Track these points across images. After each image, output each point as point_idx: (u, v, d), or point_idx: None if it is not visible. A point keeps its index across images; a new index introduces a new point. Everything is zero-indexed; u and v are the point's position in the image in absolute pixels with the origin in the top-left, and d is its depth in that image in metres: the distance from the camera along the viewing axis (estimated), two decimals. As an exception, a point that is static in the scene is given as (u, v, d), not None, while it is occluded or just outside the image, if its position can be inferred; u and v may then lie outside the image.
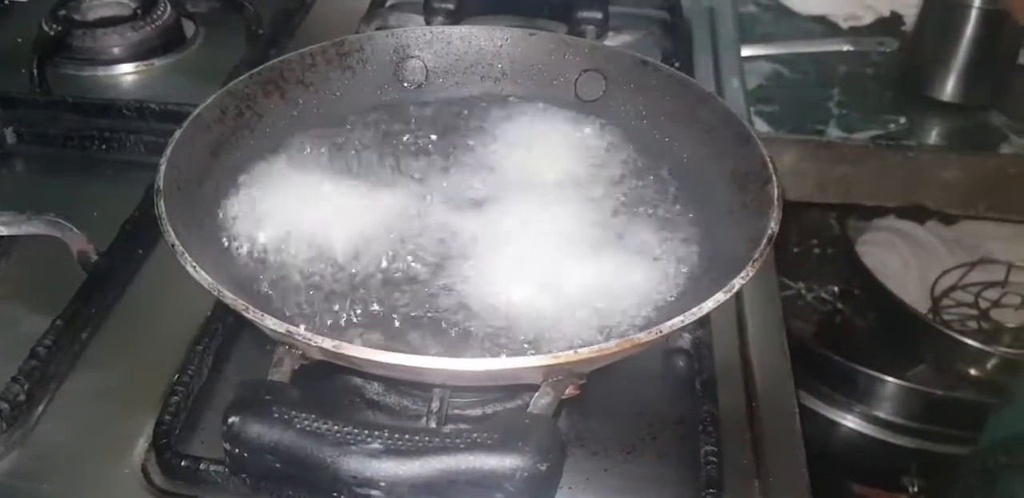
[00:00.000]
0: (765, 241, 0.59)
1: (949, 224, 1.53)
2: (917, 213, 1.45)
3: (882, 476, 1.36)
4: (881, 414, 1.34)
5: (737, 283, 0.56)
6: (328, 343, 0.52)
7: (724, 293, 0.55)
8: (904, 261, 1.50)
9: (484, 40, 0.81)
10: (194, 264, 0.56)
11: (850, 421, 1.36)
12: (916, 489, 1.33)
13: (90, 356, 0.70)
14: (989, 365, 1.32)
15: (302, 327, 0.54)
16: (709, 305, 0.55)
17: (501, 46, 0.81)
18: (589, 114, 0.78)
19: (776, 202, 0.62)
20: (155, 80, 1.03)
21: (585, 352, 0.52)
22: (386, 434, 0.48)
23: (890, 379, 1.31)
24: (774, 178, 0.63)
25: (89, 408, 0.67)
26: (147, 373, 0.68)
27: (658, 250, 0.67)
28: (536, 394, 0.53)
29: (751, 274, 0.56)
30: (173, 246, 0.57)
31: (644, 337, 0.53)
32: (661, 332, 0.53)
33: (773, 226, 0.60)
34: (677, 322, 0.54)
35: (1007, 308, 1.42)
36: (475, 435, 0.48)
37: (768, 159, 0.65)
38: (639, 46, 0.97)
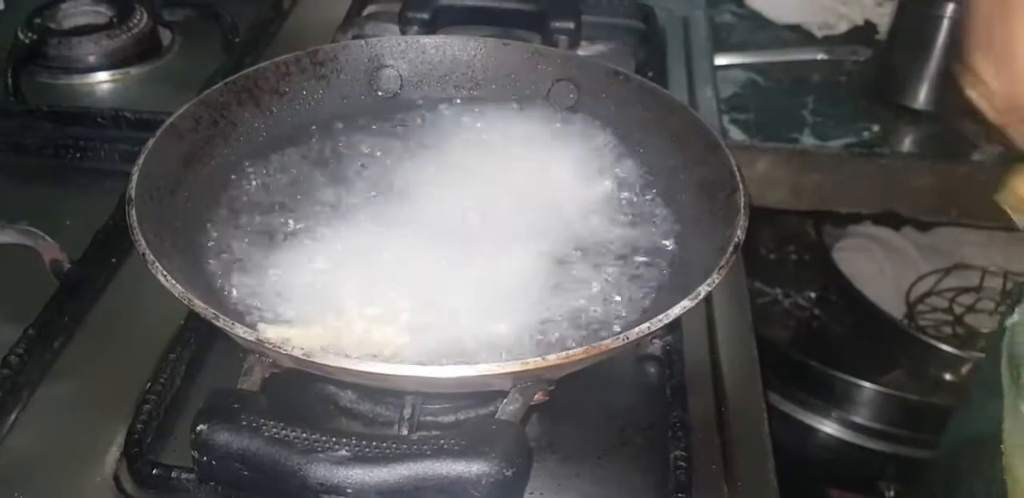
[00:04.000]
0: (731, 249, 0.59)
1: (924, 230, 1.55)
2: (893, 219, 1.47)
3: (859, 481, 1.37)
4: (857, 419, 1.36)
5: (703, 290, 0.57)
6: (298, 351, 0.52)
7: (690, 300, 0.56)
8: (880, 267, 1.52)
9: (458, 49, 0.82)
10: (165, 273, 0.56)
11: (827, 426, 1.37)
12: (892, 493, 1.34)
13: (63, 365, 0.70)
14: (964, 370, 1.34)
15: (272, 335, 0.54)
16: (675, 312, 0.55)
17: (475, 55, 0.82)
18: (562, 123, 0.79)
19: (743, 211, 0.62)
20: (131, 88, 1.03)
21: (553, 358, 0.53)
22: (354, 441, 0.48)
23: (866, 384, 1.32)
24: (741, 187, 0.64)
25: (61, 417, 0.67)
26: (120, 382, 0.68)
27: (629, 258, 0.68)
28: (505, 400, 0.54)
29: (717, 281, 0.57)
30: (144, 255, 0.57)
31: (611, 343, 0.53)
32: (628, 338, 0.54)
33: (739, 234, 0.61)
34: (644, 328, 0.55)
35: (981, 313, 1.44)
36: (442, 441, 0.48)
37: (736, 168, 0.66)
38: (613, 56, 0.98)
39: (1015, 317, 0.61)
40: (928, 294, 1.48)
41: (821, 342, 1.48)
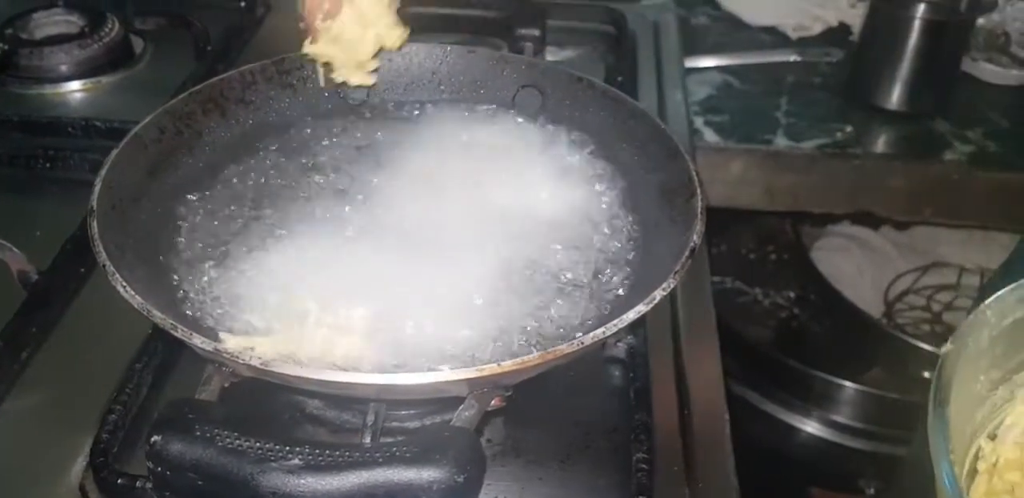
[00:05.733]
0: (687, 253, 0.60)
1: (902, 229, 1.56)
2: (871, 219, 1.48)
3: (840, 479, 1.38)
4: (838, 418, 1.36)
5: (658, 295, 0.57)
6: (255, 361, 0.52)
7: (645, 305, 0.57)
8: (858, 266, 1.52)
9: (424, 57, 0.83)
10: (124, 284, 0.56)
11: (807, 425, 1.38)
12: (873, 491, 1.35)
13: (30, 375, 0.70)
14: (942, 368, 1.34)
15: (231, 345, 0.55)
16: (630, 317, 0.56)
17: (441, 63, 0.83)
18: (527, 129, 0.80)
19: (699, 216, 0.63)
20: (103, 97, 1.03)
21: (508, 364, 0.53)
22: (307, 450, 0.48)
23: (846, 383, 1.33)
24: (699, 192, 0.65)
25: (29, 427, 0.67)
26: (87, 392, 0.68)
27: (590, 263, 0.69)
28: (461, 407, 0.54)
29: (672, 286, 0.58)
30: (104, 266, 0.58)
31: (565, 349, 0.54)
32: (582, 344, 0.55)
33: (695, 239, 0.61)
34: (598, 334, 0.55)
35: (959, 311, 1.45)
36: (395, 449, 0.49)
37: (694, 174, 0.67)
38: (583, 61, 0.99)
39: (948, 345, 0.62)
40: (906, 292, 1.49)
41: (800, 341, 1.49)
